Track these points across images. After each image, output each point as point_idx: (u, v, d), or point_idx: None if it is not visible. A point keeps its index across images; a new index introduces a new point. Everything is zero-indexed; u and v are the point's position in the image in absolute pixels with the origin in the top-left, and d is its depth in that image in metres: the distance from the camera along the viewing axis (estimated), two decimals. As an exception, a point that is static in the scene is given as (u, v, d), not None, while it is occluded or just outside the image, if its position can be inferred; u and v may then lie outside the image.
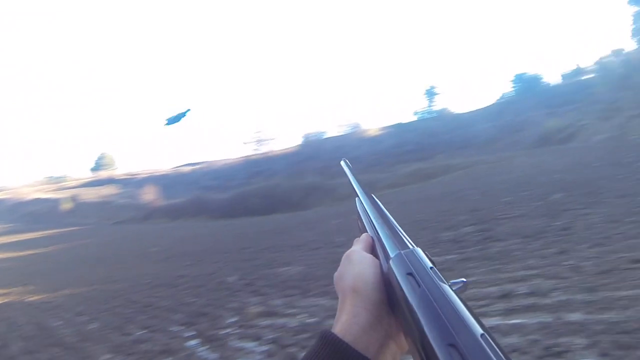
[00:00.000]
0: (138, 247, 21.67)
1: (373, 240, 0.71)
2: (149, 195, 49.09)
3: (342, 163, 1.15)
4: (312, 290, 7.33)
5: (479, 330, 0.41)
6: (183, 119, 27.79)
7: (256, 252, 12.61)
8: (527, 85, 52.11)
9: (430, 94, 54.46)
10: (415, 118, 55.29)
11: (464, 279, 0.59)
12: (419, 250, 0.56)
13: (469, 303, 0.45)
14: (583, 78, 46.08)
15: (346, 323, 0.56)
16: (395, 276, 0.53)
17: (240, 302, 7.51)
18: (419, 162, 31.28)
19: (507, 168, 21.12)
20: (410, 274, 0.51)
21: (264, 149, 55.27)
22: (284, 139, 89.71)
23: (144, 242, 23.46)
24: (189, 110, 26.97)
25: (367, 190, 0.90)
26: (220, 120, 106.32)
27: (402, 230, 0.67)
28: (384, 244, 0.65)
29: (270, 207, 29.35)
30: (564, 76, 53.16)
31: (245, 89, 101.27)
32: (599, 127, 24.77)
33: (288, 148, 54.13)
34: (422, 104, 55.12)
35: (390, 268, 0.56)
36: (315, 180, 33.83)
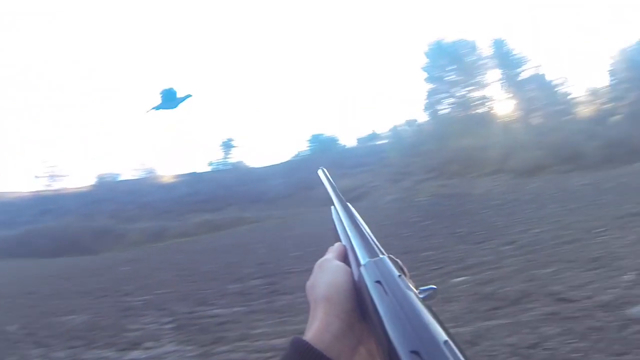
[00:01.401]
0: None
1: (345, 249, 0.75)
2: None
3: (320, 172, 1.18)
4: (97, 341, 6.92)
5: (442, 337, 0.43)
6: (181, 104, 22.48)
7: (41, 298, 11.49)
8: (323, 145, 55.03)
9: (227, 146, 54.98)
10: (209, 169, 55.35)
11: (434, 286, 0.63)
12: (388, 259, 0.59)
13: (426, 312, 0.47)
14: (377, 143, 50.22)
15: (318, 331, 0.57)
16: (365, 284, 0.56)
17: (20, 355, 6.78)
18: (211, 213, 31.41)
19: (297, 224, 21.98)
20: (378, 281, 0.54)
21: (57, 185, 50.87)
22: (78, 177, 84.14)
23: None
24: (189, 95, 22.28)
25: (343, 199, 0.93)
26: (13, 149, 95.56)
27: (374, 239, 0.71)
28: (356, 252, 0.67)
29: (60, 249, 27.01)
30: (359, 140, 57.54)
31: (39, 121, 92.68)
32: (389, 189, 27.04)
33: (81, 187, 50.66)
34: (218, 155, 55.15)
35: (360, 276, 0.59)
36: (107, 223, 32.24)
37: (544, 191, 16.23)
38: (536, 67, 37.00)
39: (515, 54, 37.32)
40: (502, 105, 37.38)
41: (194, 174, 49.16)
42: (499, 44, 37.66)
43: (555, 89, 35.88)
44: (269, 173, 47.66)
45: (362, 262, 0.61)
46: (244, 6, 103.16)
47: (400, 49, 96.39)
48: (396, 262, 0.61)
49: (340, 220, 0.85)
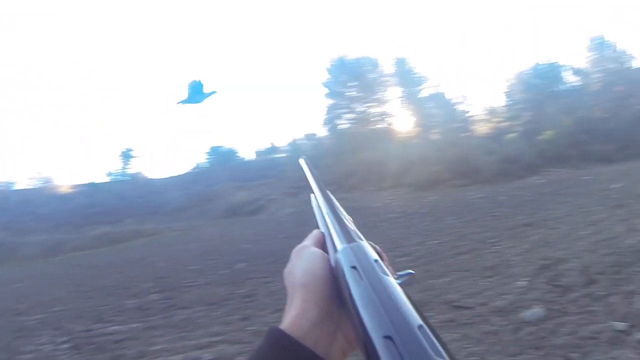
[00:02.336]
0: None
1: (323, 236, 0.75)
2: None
3: (301, 160, 1.19)
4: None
5: (417, 321, 0.43)
6: (206, 100, 20.02)
7: None
8: (222, 158, 54.01)
9: (126, 156, 52.92)
10: (108, 179, 53.00)
11: (411, 271, 0.63)
12: (365, 244, 0.60)
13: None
14: (276, 156, 49.92)
15: (295, 318, 0.57)
16: (341, 269, 0.56)
17: None
18: (109, 225, 29.96)
19: (195, 236, 21.48)
20: (354, 267, 0.54)
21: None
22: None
23: None
24: (214, 92, 20.17)
25: (324, 187, 0.94)
26: None
27: (353, 226, 0.72)
28: (333, 238, 0.67)
29: (-55, 265, 24.71)
30: (258, 153, 57.02)
31: None
32: (286, 202, 26.78)
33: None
34: (116, 165, 52.83)
35: (337, 261, 0.59)
36: (-1, 236, 29.97)
37: (442, 204, 16.56)
38: (436, 85, 38.18)
39: (416, 73, 38.24)
40: (402, 121, 38.08)
41: (92, 184, 47.01)
42: (400, 63, 38.42)
43: (454, 107, 37.12)
44: (167, 185, 46.53)
45: (339, 247, 0.62)
46: (159, 12, 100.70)
47: (302, 64, 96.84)
48: (374, 247, 0.63)
49: (319, 208, 0.87)
